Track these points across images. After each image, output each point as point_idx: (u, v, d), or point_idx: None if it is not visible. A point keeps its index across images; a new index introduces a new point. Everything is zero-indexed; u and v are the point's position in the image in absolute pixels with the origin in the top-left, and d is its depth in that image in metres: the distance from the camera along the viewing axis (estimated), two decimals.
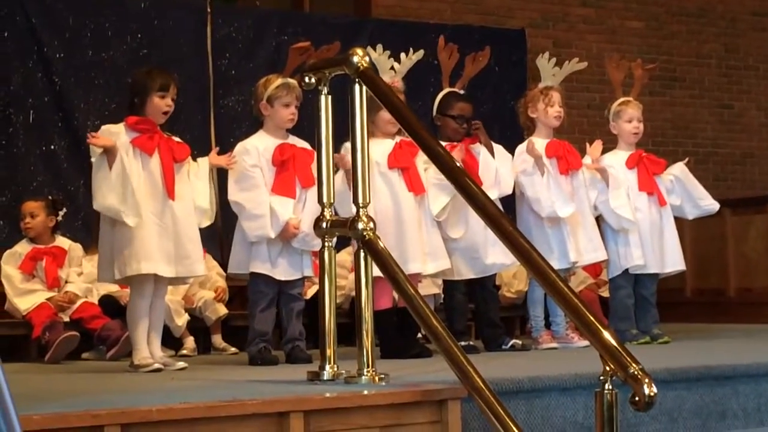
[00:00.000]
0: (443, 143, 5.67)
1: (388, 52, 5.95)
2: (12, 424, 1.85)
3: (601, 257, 6.62)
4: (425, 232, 5.90)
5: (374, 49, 5.88)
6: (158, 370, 5.19)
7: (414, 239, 5.82)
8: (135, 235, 5.19)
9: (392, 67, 5.96)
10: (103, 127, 5.37)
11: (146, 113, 5.35)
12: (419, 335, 6.23)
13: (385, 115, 5.58)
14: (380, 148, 5.84)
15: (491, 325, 6.35)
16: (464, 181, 3.91)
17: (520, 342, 6.31)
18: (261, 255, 5.69)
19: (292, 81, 5.78)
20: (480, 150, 6.26)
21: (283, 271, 5.71)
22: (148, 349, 5.32)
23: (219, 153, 5.75)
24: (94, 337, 6.74)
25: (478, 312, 6.50)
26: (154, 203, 5.28)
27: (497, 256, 6.10)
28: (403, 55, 6.02)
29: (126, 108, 5.47)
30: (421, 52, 6.05)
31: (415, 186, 5.90)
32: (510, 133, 6.81)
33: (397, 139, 5.88)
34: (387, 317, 5.65)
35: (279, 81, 5.80)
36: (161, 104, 5.36)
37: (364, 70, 4.21)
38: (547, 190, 6.31)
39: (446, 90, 6.41)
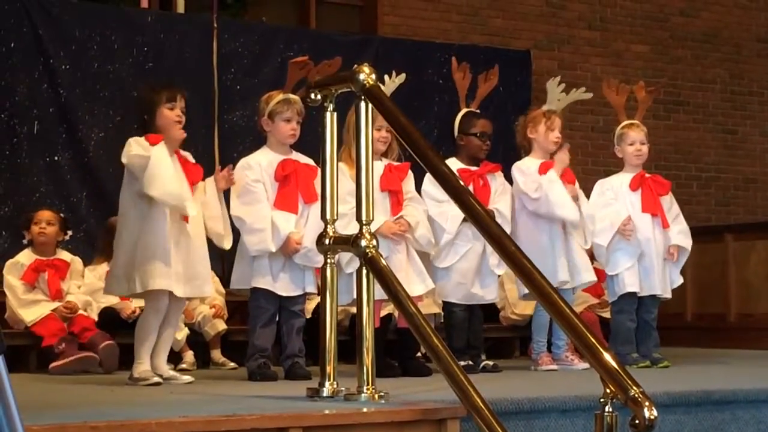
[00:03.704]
0: (462, 166, 6.14)
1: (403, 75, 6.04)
2: (15, 428, 1.85)
3: (589, 278, 6.56)
4: (408, 257, 5.87)
5: (378, 68, 5.87)
6: (157, 383, 5.19)
7: (400, 263, 5.77)
8: (156, 251, 5.18)
9: None
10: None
11: (158, 128, 5.32)
12: (419, 354, 6.22)
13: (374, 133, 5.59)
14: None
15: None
16: (468, 200, 3.91)
17: (491, 363, 6.28)
18: (263, 270, 5.69)
19: (293, 96, 5.79)
20: (497, 179, 6.36)
21: (284, 287, 5.71)
22: (154, 363, 5.34)
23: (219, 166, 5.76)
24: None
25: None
26: (171, 223, 5.26)
27: (478, 288, 6.14)
28: (386, 77, 6.03)
29: (137, 127, 5.45)
30: (402, 76, 6.09)
31: (397, 210, 5.88)
32: (513, 153, 6.79)
33: (385, 161, 5.90)
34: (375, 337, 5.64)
35: (280, 96, 5.81)
36: (171, 115, 5.34)
37: (370, 87, 4.21)
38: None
39: (464, 110, 6.49)
